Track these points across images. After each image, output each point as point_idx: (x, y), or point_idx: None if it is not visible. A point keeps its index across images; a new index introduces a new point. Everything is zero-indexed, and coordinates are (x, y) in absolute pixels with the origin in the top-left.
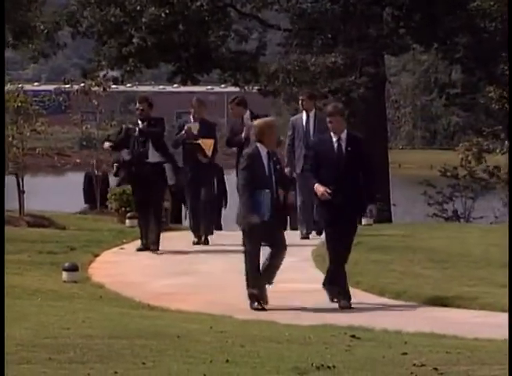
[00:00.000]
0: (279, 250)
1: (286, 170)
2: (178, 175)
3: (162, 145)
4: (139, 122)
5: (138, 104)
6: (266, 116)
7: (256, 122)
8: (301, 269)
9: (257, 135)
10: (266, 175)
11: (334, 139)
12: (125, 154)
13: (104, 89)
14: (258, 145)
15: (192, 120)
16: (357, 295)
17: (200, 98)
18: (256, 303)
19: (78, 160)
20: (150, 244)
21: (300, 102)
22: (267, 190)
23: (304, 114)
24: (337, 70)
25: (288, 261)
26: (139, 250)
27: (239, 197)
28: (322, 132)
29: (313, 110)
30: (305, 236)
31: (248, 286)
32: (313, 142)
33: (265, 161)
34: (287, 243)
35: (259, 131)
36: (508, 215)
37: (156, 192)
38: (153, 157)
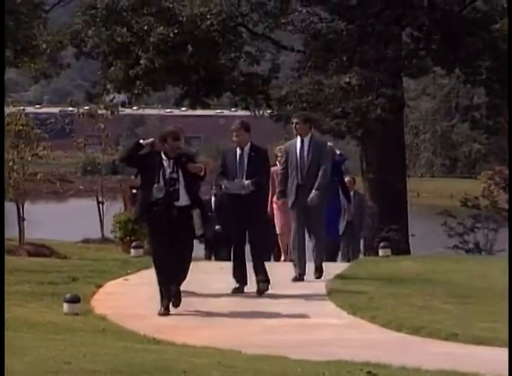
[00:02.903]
0: None
1: (278, 199)
2: (207, 224)
3: (194, 186)
4: (164, 157)
5: (172, 141)
6: (265, 150)
7: None
8: (314, 303)
9: None
10: None
11: None
12: (157, 191)
13: (112, 112)
14: None
15: None
16: (373, 330)
17: (178, 125)
18: None
19: (81, 187)
20: (172, 298)
21: (293, 126)
22: None
23: (298, 140)
24: (352, 90)
25: (301, 294)
26: (162, 315)
27: None
28: (317, 160)
29: (308, 135)
30: (299, 278)
31: None
32: None
33: None
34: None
35: None
36: (508, 240)
37: (184, 243)
38: (183, 199)
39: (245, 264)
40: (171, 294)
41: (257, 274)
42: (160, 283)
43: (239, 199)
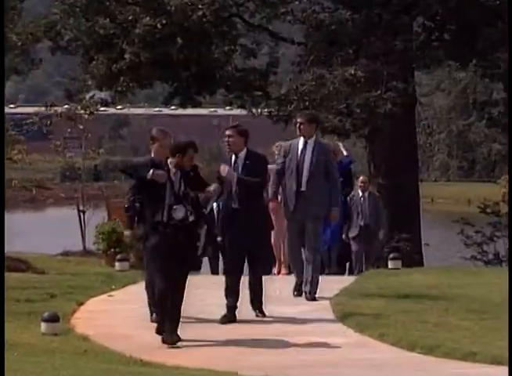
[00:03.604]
0: None
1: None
2: (209, 243)
3: (198, 200)
4: (173, 169)
5: (193, 152)
6: (263, 157)
7: None
8: (318, 320)
9: None
10: None
11: None
12: (177, 212)
13: (91, 113)
14: None
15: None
16: (382, 350)
17: (163, 129)
18: None
19: (63, 195)
20: (168, 335)
21: (297, 126)
22: None
23: (301, 141)
24: (358, 83)
25: (303, 310)
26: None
27: None
28: (322, 167)
29: (313, 138)
30: (298, 294)
31: None
32: None
33: None
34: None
35: None
36: (508, 244)
37: (188, 265)
38: (191, 216)
39: (239, 285)
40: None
41: (251, 293)
42: (159, 308)
43: (236, 212)
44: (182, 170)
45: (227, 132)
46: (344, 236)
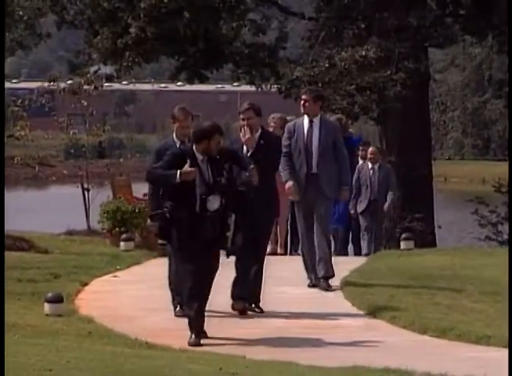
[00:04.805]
0: None
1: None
2: (237, 235)
3: (230, 187)
4: (200, 157)
5: (219, 137)
6: (278, 137)
7: None
8: (327, 302)
9: None
10: None
11: None
12: (213, 202)
13: (96, 88)
14: None
15: (176, 141)
16: (394, 333)
17: (184, 107)
18: None
19: (65, 172)
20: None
21: (301, 103)
22: None
23: (305, 120)
24: (368, 64)
25: (313, 291)
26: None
27: None
28: (330, 145)
29: (318, 116)
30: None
31: None
32: None
33: None
34: None
35: None
36: (508, 237)
37: (216, 259)
38: (215, 203)
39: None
40: (200, 318)
41: (237, 283)
42: (192, 306)
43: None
44: (210, 156)
45: (245, 115)
46: (352, 211)
